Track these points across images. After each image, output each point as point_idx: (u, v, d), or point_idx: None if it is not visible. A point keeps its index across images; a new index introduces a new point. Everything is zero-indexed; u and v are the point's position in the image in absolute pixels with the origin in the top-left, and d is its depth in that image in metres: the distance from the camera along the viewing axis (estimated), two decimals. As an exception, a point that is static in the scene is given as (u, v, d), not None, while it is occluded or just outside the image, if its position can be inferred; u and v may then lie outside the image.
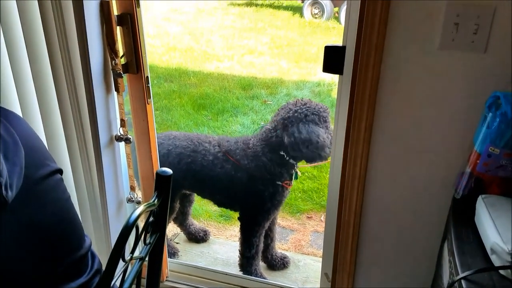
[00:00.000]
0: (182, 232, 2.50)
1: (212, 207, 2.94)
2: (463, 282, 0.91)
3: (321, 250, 2.48)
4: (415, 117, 1.26)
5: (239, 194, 2.05)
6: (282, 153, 1.93)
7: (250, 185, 2.00)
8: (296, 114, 1.89)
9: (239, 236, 2.15)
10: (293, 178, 2.02)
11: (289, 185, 2.00)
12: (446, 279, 1.08)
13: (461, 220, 1.11)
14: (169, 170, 1.01)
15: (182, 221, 2.43)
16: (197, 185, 2.13)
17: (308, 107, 1.91)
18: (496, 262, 0.93)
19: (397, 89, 1.23)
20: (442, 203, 1.31)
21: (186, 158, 2.04)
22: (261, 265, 2.26)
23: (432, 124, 1.25)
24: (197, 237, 2.46)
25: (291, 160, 1.95)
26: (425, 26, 1.15)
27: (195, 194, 2.37)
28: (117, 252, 0.81)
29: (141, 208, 0.89)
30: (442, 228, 1.31)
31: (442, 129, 1.24)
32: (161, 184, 1.01)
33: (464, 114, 1.20)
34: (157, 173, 1.01)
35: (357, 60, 1.23)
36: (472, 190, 1.14)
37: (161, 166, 2.01)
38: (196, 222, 2.58)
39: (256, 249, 2.11)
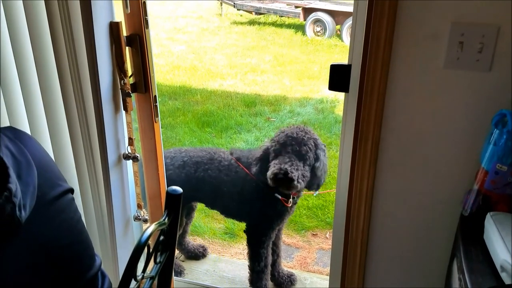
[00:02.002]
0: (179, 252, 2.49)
1: (217, 225, 2.94)
2: (474, 300, 0.91)
3: (327, 268, 2.48)
4: (421, 134, 1.27)
5: (245, 202, 2.08)
6: None
7: (254, 194, 2.02)
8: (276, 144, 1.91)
9: (247, 250, 2.15)
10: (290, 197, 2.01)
11: (286, 202, 1.99)
12: (456, 298, 1.07)
13: (469, 238, 1.11)
14: (179, 189, 1.02)
15: (180, 240, 2.43)
16: (209, 194, 2.15)
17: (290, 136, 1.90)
18: (506, 280, 0.92)
19: (403, 107, 1.25)
20: (450, 221, 1.31)
21: (203, 166, 2.09)
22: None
23: (439, 141, 1.26)
24: (197, 254, 2.46)
25: None
26: (430, 45, 1.16)
27: (196, 210, 2.39)
28: (130, 272, 0.81)
29: (152, 227, 0.89)
30: (451, 245, 1.30)
31: (449, 146, 1.25)
32: (172, 203, 1.02)
33: (470, 131, 1.21)
34: (167, 192, 1.02)
35: (363, 78, 1.25)
36: (480, 208, 1.14)
37: (177, 178, 2.04)
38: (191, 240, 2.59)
39: (265, 262, 2.10)
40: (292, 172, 1.82)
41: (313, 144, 1.92)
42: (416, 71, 1.20)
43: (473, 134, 1.21)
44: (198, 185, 2.10)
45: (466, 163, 1.24)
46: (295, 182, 1.83)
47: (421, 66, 1.19)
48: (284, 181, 1.83)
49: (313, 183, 1.96)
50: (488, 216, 1.06)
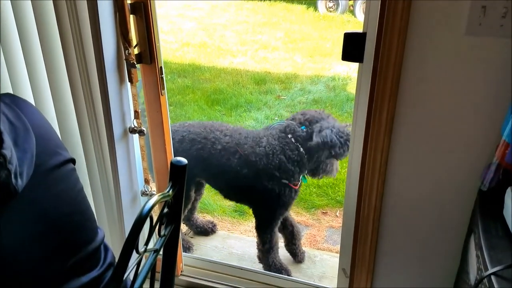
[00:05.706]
0: (188, 228, 2.49)
1: (227, 202, 2.92)
2: (492, 277, 0.87)
3: (337, 246, 2.45)
4: (439, 106, 1.20)
5: (246, 188, 2.06)
6: (301, 150, 1.95)
7: (257, 181, 2.00)
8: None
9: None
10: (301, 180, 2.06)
11: (296, 185, 2.02)
12: (473, 275, 1.03)
13: (488, 213, 1.06)
14: (184, 160, 0.98)
15: (189, 216, 2.42)
16: (209, 173, 2.14)
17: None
18: (529, 257, 0.88)
19: (421, 77, 1.18)
20: (466, 196, 1.25)
21: (198, 144, 2.06)
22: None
23: (457, 113, 1.19)
24: (206, 229, 2.46)
25: (306, 159, 1.97)
26: (451, 10, 1.09)
27: (205, 188, 2.39)
28: (131, 243, 0.78)
29: (155, 198, 0.85)
30: (466, 222, 1.26)
31: (468, 119, 1.19)
32: (176, 174, 0.98)
33: (492, 102, 1.15)
34: (171, 163, 0.98)
35: (379, 47, 1.18)
36: (500, 182, 1.09)
37: (175, 152, 2.01)
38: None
39: (270, 244, 2.10)
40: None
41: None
42: (435, 37, 1.13)
43: (494, 104, 1.14)
44: (198, 163, 2.07)
45: (486, 135, 1.18)
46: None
47: (441, 32, 1.12)
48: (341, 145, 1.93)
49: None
50: (509, 190, 1.01)
